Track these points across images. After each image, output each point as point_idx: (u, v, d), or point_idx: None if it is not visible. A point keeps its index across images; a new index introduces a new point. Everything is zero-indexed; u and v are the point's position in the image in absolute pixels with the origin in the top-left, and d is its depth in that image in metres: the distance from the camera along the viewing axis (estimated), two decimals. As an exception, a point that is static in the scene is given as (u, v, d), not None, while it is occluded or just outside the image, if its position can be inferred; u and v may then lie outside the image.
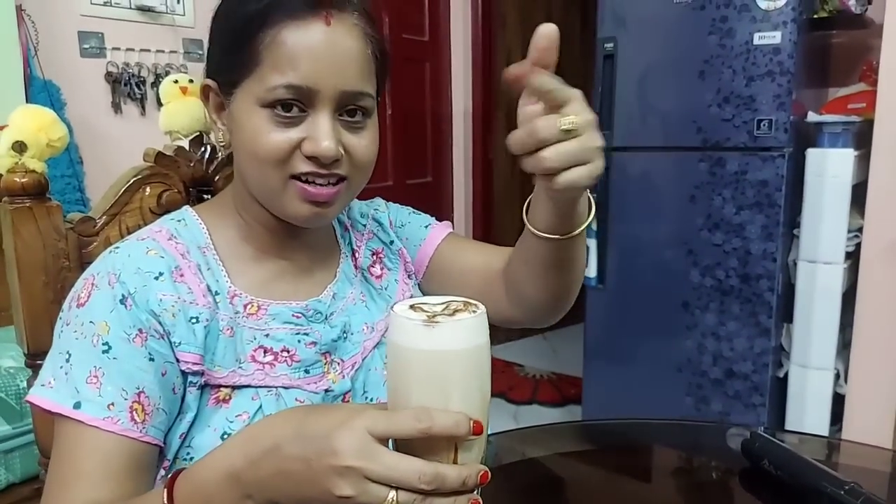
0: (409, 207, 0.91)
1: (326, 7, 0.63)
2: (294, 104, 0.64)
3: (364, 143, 0.68)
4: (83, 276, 0.67)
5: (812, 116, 2.08)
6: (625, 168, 2.25)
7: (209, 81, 0.71)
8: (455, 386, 0.46)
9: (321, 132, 0.64)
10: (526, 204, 0.71)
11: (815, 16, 2.10)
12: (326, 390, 0.72)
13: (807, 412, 2.11)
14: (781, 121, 1.95)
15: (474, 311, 0.47)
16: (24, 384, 1.53)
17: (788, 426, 2.13)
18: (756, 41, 1.96)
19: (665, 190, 2.19)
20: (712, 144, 2.07)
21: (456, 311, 0.47)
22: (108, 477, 0.59)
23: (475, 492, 0.48)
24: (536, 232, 0.68)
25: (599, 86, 2.25)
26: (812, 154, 2.02)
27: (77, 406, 0.60)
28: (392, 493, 0.45)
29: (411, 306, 0.48)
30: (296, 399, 0.70)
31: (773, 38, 1.93)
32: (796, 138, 2.01)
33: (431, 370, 0.46)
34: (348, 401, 0.74)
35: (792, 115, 1.95)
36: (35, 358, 0.77)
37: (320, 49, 0.63)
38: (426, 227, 0.87)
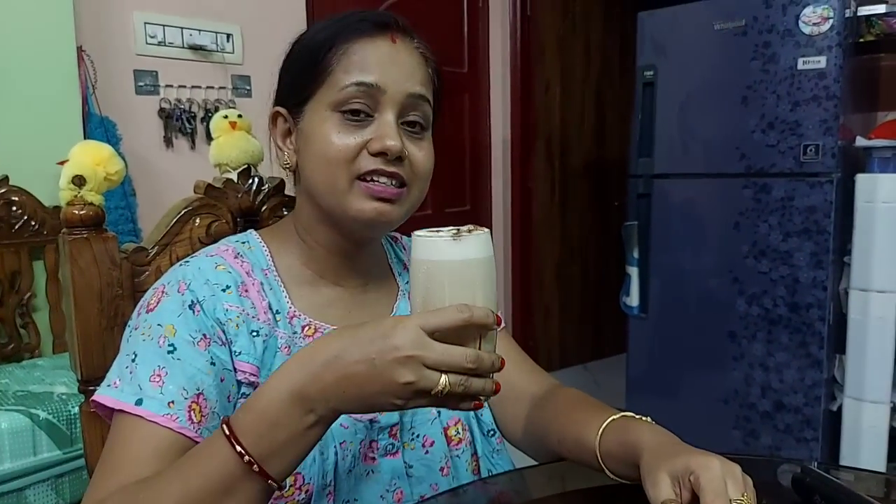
0: None
1: (392, 30, 0.71)
2: (362, 108, 0.68)
3: (423, 153, 0.72)
4: (153, 286, 0.71)
5: (861, 141, 2.04)
6: (667, 195, 2.23)
7: (279, 108, 0.75)
8: (479, 287, 0.56)
9: (388, 130, 0.68)
10: (600, 435, 0.67)
11: (862, 39, 2.07)
12: (372, 420, 0.73)
13: (862, 447, 2.02)
14: (829, 146, 1.91)
15: (483, 231, 0.58)
16: (77, 410, 1.57)
17: (843, 462, 2.05)
18: (800, 66, 1.94)
19: (708, 217, 2.16)
20: (757, 170, 2.04)
21: (469, 231, 0.57)
22: (159, 465, 0.60)
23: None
24: (619, 478, 0.65)
25: (640, 113, 2.24)
26: (862, 179, 1.97)
27: (139, 402, 0.63)
28: (444, 377, 0.53)
29: (427, 231, 0.58)
30: (341, 425, 0.71)
31: (818, 62, 1.90)
32: (844, 163, 1.96)
33: (461, 275, 0.56)
34: (395, 434, 0.74)
35: (840, 140, 1.91)
36: (88, 384, 0.79)
37: (387, 58, 0.70)
38: None
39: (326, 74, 0.69)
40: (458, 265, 0.56)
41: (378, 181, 0.69)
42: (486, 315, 0.55)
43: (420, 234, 0.58)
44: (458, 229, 0.57)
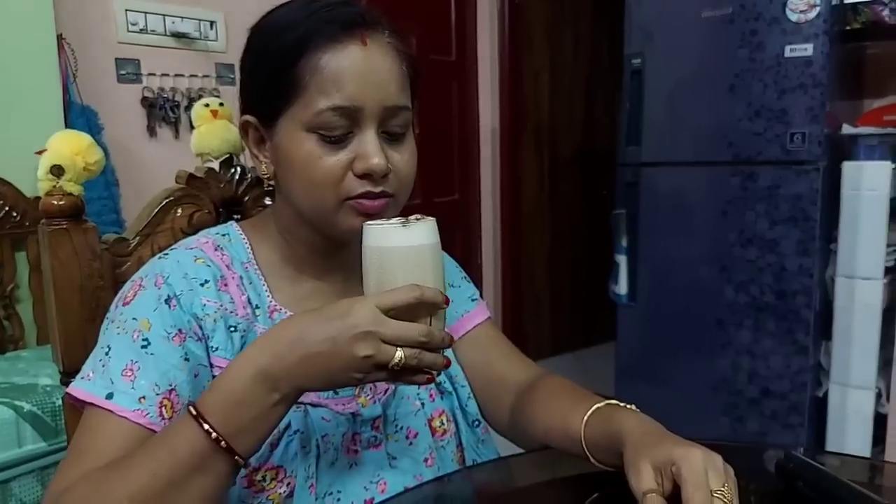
0: (460, 268, 0.92)
1: (361, 29, 0.66)
2: (341, 130, 0.66)
3: (405, 157, 0.70)
4: (131, 278, 0.70)
5: (847, 129, 2.05)
6: (655, 184, 2.23)
7: (248, 117, 0.72)
8: (428, 270, 0.60)
9: (370, 149, 0.66)
10: (584, 423, 0.67)
11: (848, 27, 2.07)
12: (354, 413, 0.73)
13: (848, 433, 2.04)
14: (815, 134, 1.92)
15: (430, 219, 0.62)
16: (60, 402, 1.56)
17: (829, 447, 2.07)
18: (787, 54, 1.93)
19: (696, 205, 2.16)
20: (744, 159, 2.04)
21: (417, 219, 0.61)
22: None
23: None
24: (604, 466, 0.65)
25: (627, 101, 2.24)
26: (848, 167, 1.98)
27: (109, 397, 0.62)
28: (400, 351, 0.56)
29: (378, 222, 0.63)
30: (322, 418, 0.70)
31: (805, 50, 1.90)
32: (831, 151, 1.97)
33: (411, 260, 0.60)
34: (378, 427, 0.74)
35: (826, 128, 1.92)
36: (70, 376, 0.78)
37: (361, 69, 0.65)
38: (472, 300, 0.89)
39: (298, 90, 0.66)
40: (408, 251, 0.60)
41: (366, 201, 0.67)
42: (436, 294, 0.59)
43: (371, 224, 0.62)
44: (407, 218, 0.61)
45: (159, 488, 0.55)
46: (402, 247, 0.60)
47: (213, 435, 0.55)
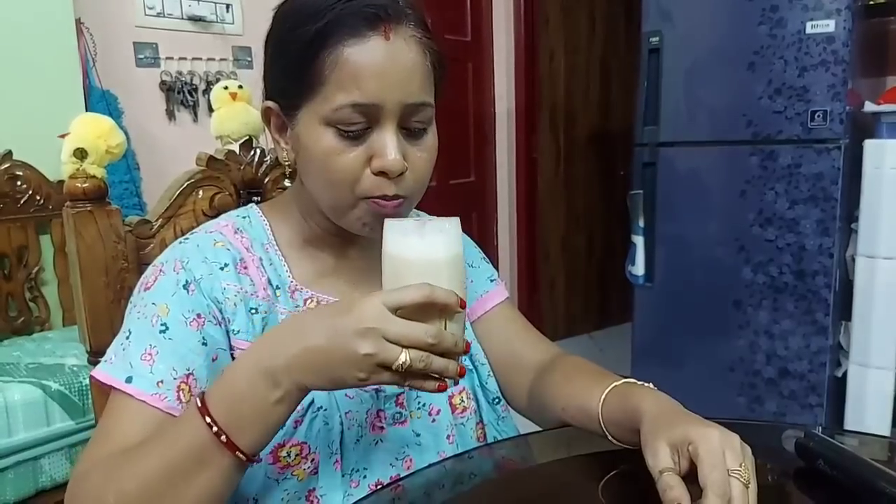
0: (479, 249, 0.92)
1: (385, 22, 0.64)
2: (359, 126, 0.65)
3: (424, 155, 0.69)
4: (153, 263, 0.71)
5: (869, 106, 2.01)
6: (672, 163, 2.21)
7: (270, 104, 0.71)
8: (444, 280, 0.57)
9: (388, 147, 0.65)
10: (602, 401, 0.67)
11: (872, 2, 2.02)
12: (377, 390, 0.74)
13: (867, 412, 2.04)
14: (837, 111, 1.89)
15: (452, 223, 0.59)
16: (87, 381, 1.59)
17: (847, 427, 2.06)
18: (809, 30, 1.90)
19: (714, 185, 2.14)
20: (763, 137, 2.01)
21: (437, 228, 0.58)
22: None
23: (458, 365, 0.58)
24: (622, 444, 0.65)
25: (645, 80, 2.21)
26: (870, 145, 1.95)
27: (129, 380, 0.63)
28: (405, 353, 0.53)
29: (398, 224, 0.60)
30: (345, 395, 0.71)
31: (827, 26, 1.87)
32: (853, 129, 1.94)
33: (429, 272, 0.57)
34: (402, 403, 0.75)
35: (848, 106, 1.89)
36: (97, 356, 0.80)
37: (382, 65, 0.63)
38: (491, 280, 0.89)
39: (318, 85, 0.64)
40: (425, 264, 0.57)
41: (381, 200, 0.67)
42: (449, 295, 0.56)
43: (391, 224, 0.59)
44: (425, 222, 0.59)
45: (166, 478, 0.56)
46: (419, 260, 0.57)
47: (215, 429, 0.55)
